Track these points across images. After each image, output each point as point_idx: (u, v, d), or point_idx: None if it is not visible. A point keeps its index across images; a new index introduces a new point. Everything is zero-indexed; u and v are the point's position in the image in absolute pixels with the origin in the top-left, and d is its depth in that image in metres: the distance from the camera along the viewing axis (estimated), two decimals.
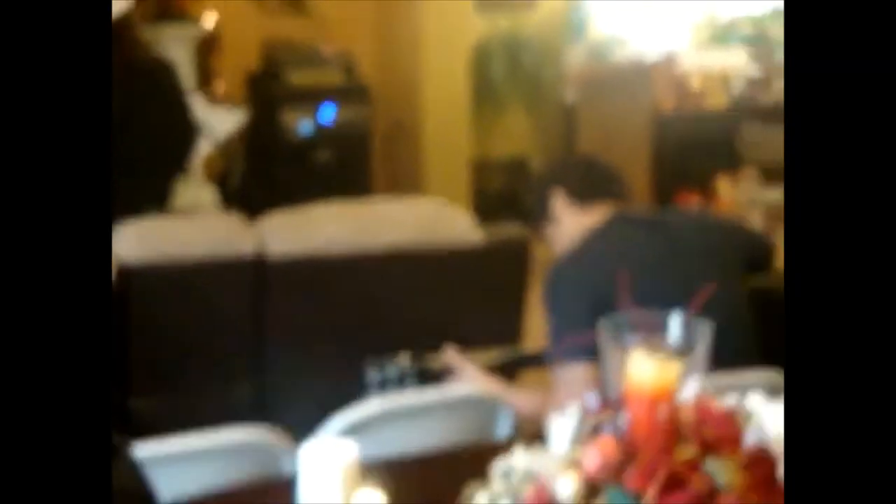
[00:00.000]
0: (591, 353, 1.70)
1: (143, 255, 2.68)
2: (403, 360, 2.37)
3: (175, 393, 2.74)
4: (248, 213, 3.09)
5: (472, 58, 5.85)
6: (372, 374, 2.34)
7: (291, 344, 2.85)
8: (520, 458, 1.43)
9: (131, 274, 2.65)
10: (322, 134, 5.68)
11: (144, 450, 1.75)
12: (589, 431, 1.43)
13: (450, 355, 2.36)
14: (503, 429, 2.17)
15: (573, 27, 6.25)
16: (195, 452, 1.82)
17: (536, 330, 2.64)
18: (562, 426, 1.44)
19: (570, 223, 2.30)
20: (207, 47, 5.69)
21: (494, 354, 2.55)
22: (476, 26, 5.90)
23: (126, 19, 3.32)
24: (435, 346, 2.40)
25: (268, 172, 5.42)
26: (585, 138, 5.93)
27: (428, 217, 2.92)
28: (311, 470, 1.41)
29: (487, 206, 5.51)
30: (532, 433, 1.65)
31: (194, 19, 5.54)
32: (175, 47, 5.09)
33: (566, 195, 2.32)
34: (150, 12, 5.28)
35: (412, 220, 2.91)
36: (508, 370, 2.57)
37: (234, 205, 4.50)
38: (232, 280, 2.75)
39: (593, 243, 2.21)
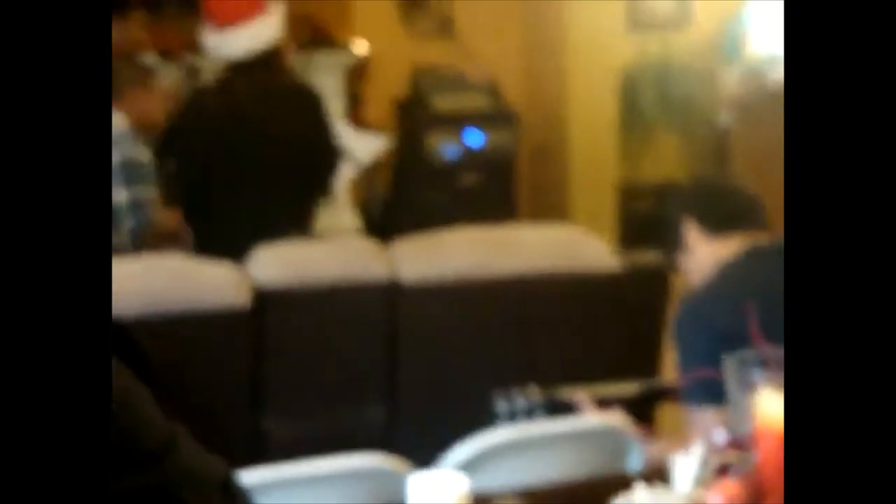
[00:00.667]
0: (718, 394, 1.62)
1: (279, 278, 2.71)
2: (533, 392, 2.31)
3: (308, 415, 2.76)
4: (391, 237, 3.11)
5: (620, 80, 5.76)
6: (501, 404, 2.30)
7: (423, 369, 2.84)
8: (640, 496, 1.38)
9: (267, 296, 2.69)
10: (467, 158, 5.70)
11: (267, 474, 1.76)
12: (714, 471, 1.37)
13: (579, 396, 2.29)
14: (635, 462, 2.10)
15: (727, 47, 6.08)
16: (318, 477, 1.82)
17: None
18: (685, 465, 1.39)
19: (703, 254, 2.21)
20: (356, 73, 5.80)
21: (631, 386, 2.47)
22: (625, 49, 5.81)
23: (276, 46, 3.40)
24: (568, 376, 2.34)
25: (412, 197, 5.46)
26: (739, 163, 5.76)
27: (564, 243, 2.86)
28: (419, 501, 1.38)
29: (635, 231, 5.41)
30: (663, 469, 1.58)
31: (344, 46, 5.65)
32: (324, 73, 5.20)
33: (698, 224, 2.23)
34: (302, 39, 5.41)
35: (547, 246, 2.86)
36: (645, 403, 2.49)
37: (377, 229, 4.55)
38: (365, 304, 2.76)
39: (723, 277, 2.11)
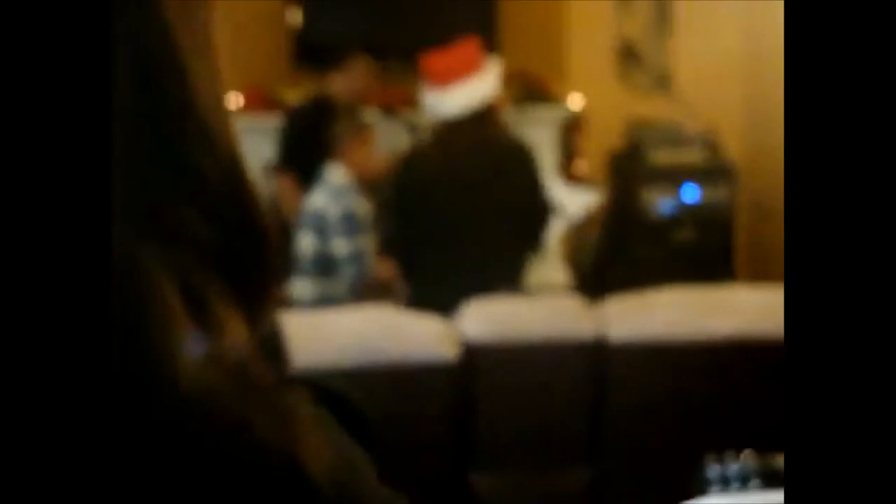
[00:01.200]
0: None
1: (487, 333, 2.74)
2: (747, 458, 2.22)
3: (514, 472, 2.76)
4: (602, 294, 3.08)
5: None
6: (713, 470, 2.22)
7: (630, 430, 2.78)
8: None
9: (475, 351, 2.72)
10: (683, 214, 5.59)
11: None
12: None
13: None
14: None
15: None
16: None
17: None
18: None
19: None
20: (572, 128, 5.82)
21: None
22: None
23: (491, 102, 3.45)
24: (782, 447, 2.24)
25: (626, 252, 5.40)
26: None
27: (771, 305, 2.76)
28: None
29: None
30: None
31: (560, 101, 5.69)
32: (539, 127, 5.25)
33: None
34: (517, 93, 5.49)
35: (764, 309, 2.76)
36: None
37: (589, 285, 4.52)
38: (572, 362, 2.74)
39: None
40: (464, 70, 3.36)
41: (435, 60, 3.47)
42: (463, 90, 3.36)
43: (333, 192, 3.89)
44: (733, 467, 2.24)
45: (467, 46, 3.52)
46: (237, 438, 0.60)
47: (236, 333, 0.56)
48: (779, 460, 2.23)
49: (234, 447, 0.60)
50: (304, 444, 0.63)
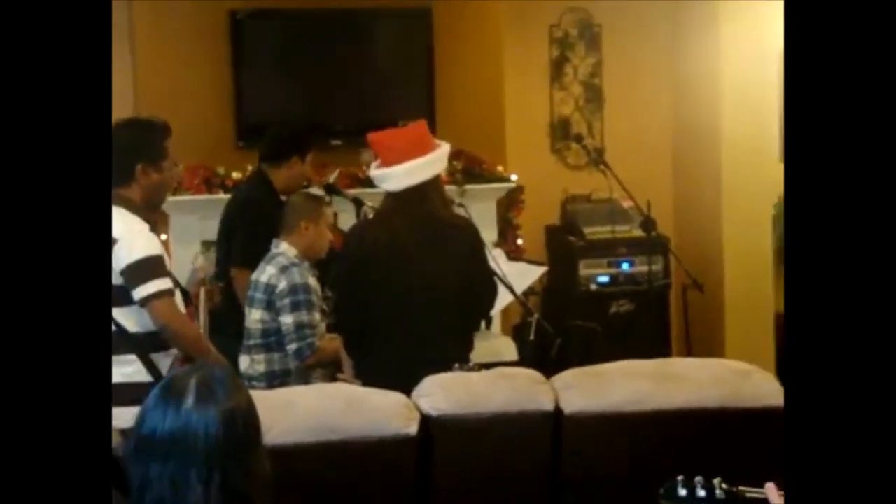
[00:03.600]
0: None
1: (445, 406, 2.79)
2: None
3: None
4: (545, 364, 3.16)
5: (776, 209, 5.73)
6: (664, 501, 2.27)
7: (586, 498, 2.84)
8: None
9: (434, 424, 2.76)
10: (619, 287, 5.73)
11: None
12: None
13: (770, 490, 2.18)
14: None
15: None
16: None
17: None
18: None
19: None
20: (510, 203, 5.94)
21: None
22: (780, 177, 5.79)
23: (435, 179, 3.52)
24: None
25: (565, 324, 5.50)
26: None
27: (727, 377, 2.86)
28: None
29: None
30: None
31: (498, 177, 5.82)
32: (479, 203, 5.36)
33: None
34: (459, 171, 5.61)
35: (709, 380, 2.86)
36: None
37: (531, 356, 4.59)
38: (530, 434, 2.80)
39: None
40: (413, 152, 3.43)
41: (385, 138, 3.54)
42: (410, 168, 3.42)
43: (281, 267, 3.92)
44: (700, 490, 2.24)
45: (416, 127, 3.60)
46: None
47: None
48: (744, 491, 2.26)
49: None
50: None
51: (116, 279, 3.05)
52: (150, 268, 3.07)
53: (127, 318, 3.09)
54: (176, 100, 5.36)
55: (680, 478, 2.10)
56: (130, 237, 3.06)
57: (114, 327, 3.09)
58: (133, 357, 3.09)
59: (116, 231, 3.04)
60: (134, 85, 5.53)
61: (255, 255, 4.26)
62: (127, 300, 3.08)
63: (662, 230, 5.80)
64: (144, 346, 3.10)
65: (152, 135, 3.22)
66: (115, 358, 3.10)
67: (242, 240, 4.40)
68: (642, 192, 5.17)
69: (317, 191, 4.72)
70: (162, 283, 3.08)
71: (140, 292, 3.05)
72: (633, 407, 2.82)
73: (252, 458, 1.86)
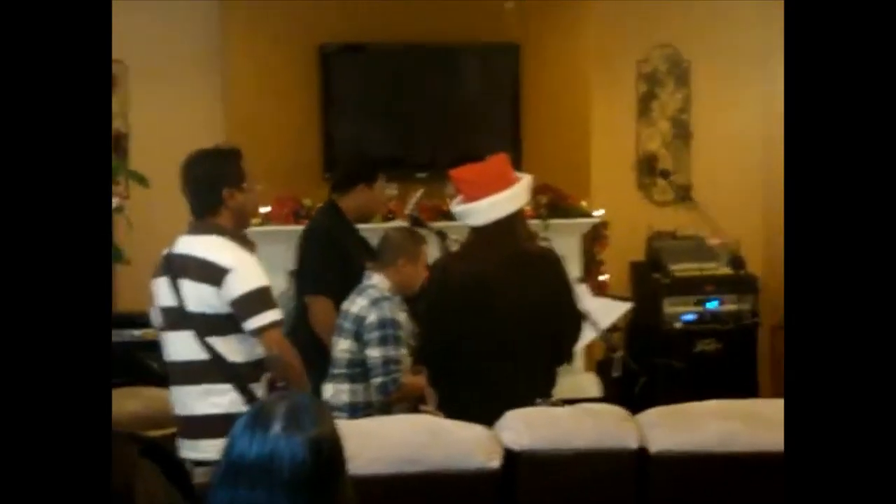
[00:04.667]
0: None
1: (528, 442, 2.76)
2: None
3: None
4: (628, 402, 3.11)
5: None
6: None
7: None
8: None
9: (517, 459, 2.74)
10: (705, 325, 5.63)
11: None
12: None
13: None
14: None
15: None
16: None
17: None
18: None
19: None
20: (595, 238, 5.90)
21: None
22: None
23: (519, 213, 3.52)
24: None
25: (649, 362, 5.42)
26: None
27: None
28: None
29: None
30: None
31: (584, 212, 5.79)
32: (563, 239, 5.33)
33: None
34: (543, 205, 5.59)
35: None
36: None
37: (615, 394, 4.54)
38: (615, 472, 2.75)
39: None
40: (495, 188, 3.43)
41: (466, 173, 3.55)
42: (493, 202, 3.42)
43: (372, 300, 3.93)
44: None
45: (497, 161, 3.61)
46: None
47: None
48: None
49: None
50: (136, 487, 0.77)
51: (224, 308, 3.09)
52: (264, 298, 3.12)
53: (228, 347, 3.12)
54: (265, 131, 5.46)
55: None
56: (243, 267, 3.11)
57: (207, 356, 3.11)
58: (228, 387, 3.11)
59: (227, 260, 3.09)
60: (225, 116, 5.66)
61: (327, 281, 4.30)
62: (230, 329, 3.11)
63: (751, 269, 5.70)
64: (243, 376, 3.13)
65: (229, 159, 3.29)
66: (209, 387, 3.12)
67: (313, 267, 4.45)
68: (730, 230, 5.10)
69: (401, 223, 4.74)
70: (276, 314, 3.13)
71: (255, 322, 3.08)
72: (721, 448, 2.76)
73: (337, 487, 1.86)
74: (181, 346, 3.17)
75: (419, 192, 5.12)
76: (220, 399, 3.08)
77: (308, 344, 4.16)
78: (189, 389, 3.17)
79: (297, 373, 3.20)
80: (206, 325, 3.11)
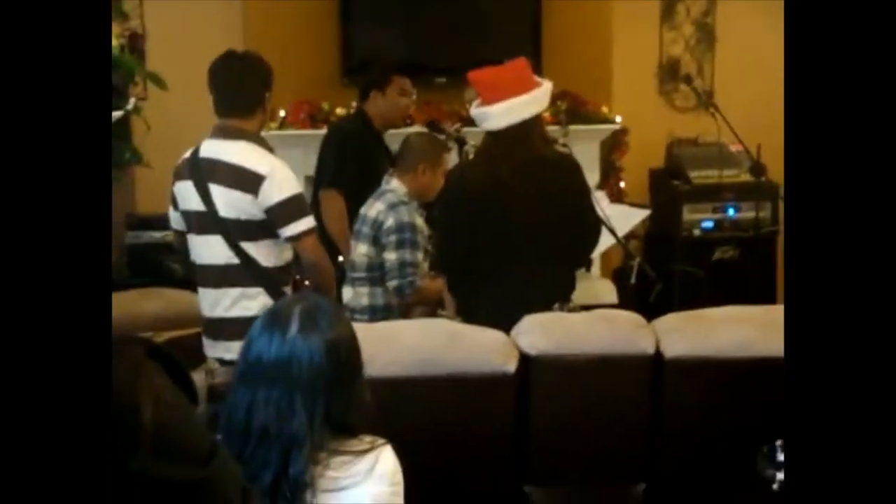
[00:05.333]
0: None
1: (545, 346, 2.78)
2: None
3: (568, 485, 2.80)
4: (645, 308, 3.12)
5: None
6: (762, 463, 2.26)
7: (684, 445, 2.82)
8: None
9: (533, 363, 2.76)
10: (724, 233, 5.61)
11: None
12: None
13: None
14: None
15: None
16: None
17: None
18: None
19: None
20: (614, 145, 5.85)
21: None
22: None
23: (537, 118, 3.48)
24: None
25: (667, 269, 5.43)
26: None
27: None
28: None
29: None
30: None
31: (604, 118, 5.73)
32: (582, 145, 5.29)
33: None
34: (563, 111, 5.54)
35: None
36: None
37: (631, 300, 4.55)
38: (629, 378, 2.78)
39: None
40: (514, 88, 3.39)
41: (485, 75, 3.50)
42: (511, 106, 3.38)
43: (390, 204, 3.94)
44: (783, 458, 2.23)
45: (517, 65, 3.56)
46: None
47: None
48: None
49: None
50: (141, 388, 0.79)
51: (259, 214, 3.10)
52: (300, 205, 3.15)
53: (260, 252, 3.15)
54: (283, 35, 5.40)
55: (779, 442, 2.08)
56: (279, 174, 3.11)
57: (238, 260, 3.13)
58: (259, 290, 3.14)
59: (262, 167, 3.09)
60: (243, 18, 5.59)
61: (342, 177, 4.31)
62: (262, 234, 3.13)
63: (772, 176, 5.65)
64: (274, 280, 3.17)
65: (265, 63, 3.28)
66: (240, 290, 3.15)
67: (329, 162, 4.49)
68: (753, 137, 5.03)
69: (420, 128, 4.72)
70: (311, 221, 3.17)
71: (293, 229, 3.11)
72: (736, 353, 2.77)
73: (354, 388, 1.89)
74: (211, 250, 3.18)
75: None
76: (251, 303, 3.12)
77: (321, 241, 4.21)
78: (220, 293, 3.20)
79: (331, 277, 3.26)
80: (238, 230, 3.13)
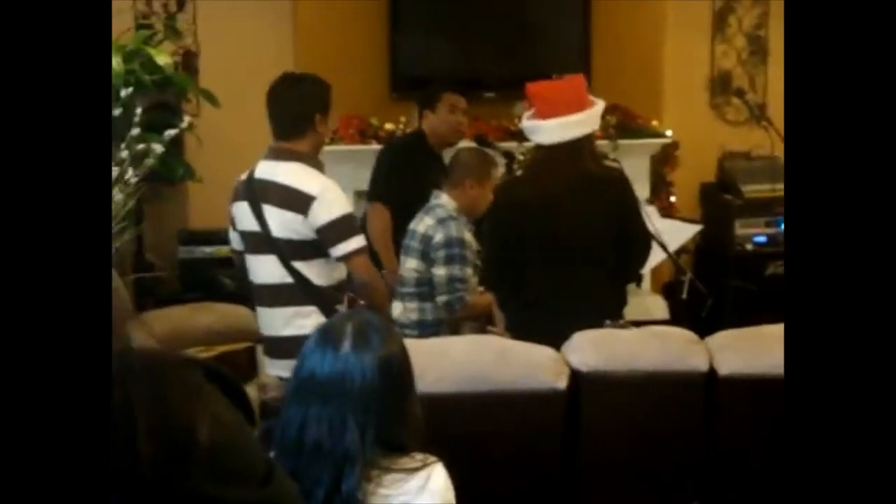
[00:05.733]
0: None
1: (596, 363, 2.76)
2: None
3: (620, 500, 2.77)
4: (696, 324, 3.09)
5: None
6: None
7: (739, 463, 2.78)
8: None
9: (584, 380, 2.74)
10: (778, 247, 5.55)
11: None
12: None
13: None
14: None
15: None
16: None
17: None
18: None
19: None
20: (665, 159, 5.82)
21: None
22: None
23: (588, 136, 3.46)
24: None
25: (719, 285, 5.37)
26: None
27: None
28: None
29: None
30: None
31: (655, 132, 5.70)
32: (632, 159, 5.26)
33: None
34: (612, 126, 5.52)
35: None
36: None
37: (683, 316, 4.51)
38: (682, 395, 2.75)
39: None
40: (570, 104, 3.37)
41: (542, 89, 3.48)
42: (564, 123, 3.37)
43: (439, 219, 3.94)
44: None
45: (575, 82, 3.54)
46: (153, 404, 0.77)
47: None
48: None
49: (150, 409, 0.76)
50: (196, 410, 0.79)
51: (310, 234, 3.13)
52: (350, 225, 3.17)
53: (312, 271, 3.18)
54: (333, 51, 5.44)
55: None
56: (329, 194, 3.15)
57: (292, 279, 3.17)
58: (313, 309, 3.18)
59: (312, 188, 3.12)
60: (294, 38, 5.64)
61: (387, 190, 4.33)
62: (314, 254, 3.16)
63: None
64: (327, 298, 3.20)
65: (323, 86, 3.30)
66: (295, 310, 3.19)
67: (376, 176, 4.53)
68: None
69: (468, 143, 4.72)
70: (361, 240, 3.19)
71: (343, 248, 3.13)
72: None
73: (405, 404, 1.89)
74: (266, 270, 3.23)
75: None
76: (305, 321, 3.15)
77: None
78: (275, 311, 3.25)
79: (383, 295, 3.27)
80: (290, 250, 3.17)
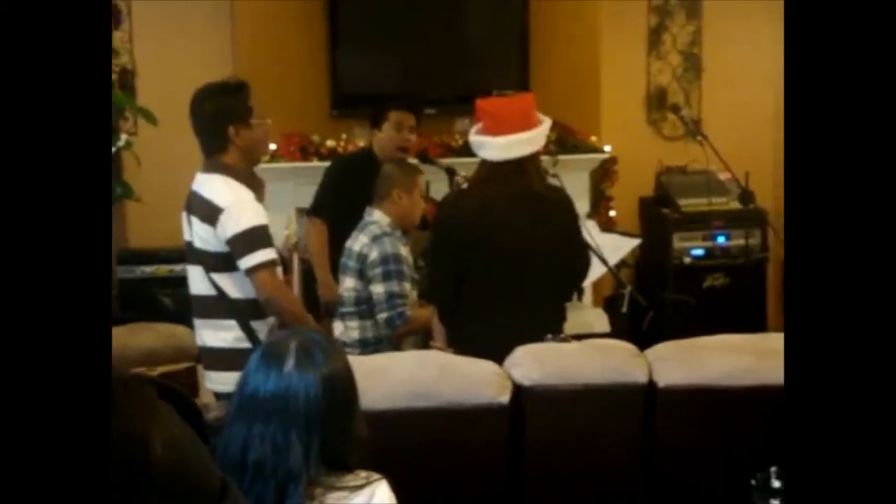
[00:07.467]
0: None
1: (538, 377, 2.78)
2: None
3: None
4: (637, 337, 3.13)
5: None
6: (756, 490, 2.26)
7: (678, 475, 2.82)
8: None
9: (527, 394, 2.76)
10: (714, 260, 5.64)
11: None
12: None
13: None
14: None
15: None
16: None
17: None
18: None
19: None
20: (604, 174, 5.88)
21: None
22: None
23: (534, 155, 3.48)
24: None
25: (658, 298, 5.44)
26: None
27: None
28: None
29: None
30: None
31: (593, 148, 5.76)
32: (572, 174, 5.31)
33: None
34: (552, 141, 5.57)
35: None
36: None
37: (623, 329, 4.55)
38: (622, 407, 2.78)
39: None
40: (518, 123, 3.39)
41: (492, 106, 3.50)
42: (512, 141, 3.38)
43: (373, 237, 3.95)
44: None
45: (524, 100, 3.57)
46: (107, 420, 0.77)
47: None
48: None
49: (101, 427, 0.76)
50: (151, 427, 0.80)
51: (222, 247, 3.13)
52: (256, 238, 3.13)
53: (229, 284, 3.17)
54: (273, 68, 5.43)
55: (773, 469, 2.07)
56: (237, 207, 3.13)
57: (214, 291, 3.17)
58: (232, 323, 3.18)
59: (223, 200, 3.12)
60: (233, 53, 5.62)
61: (324, 205, 4.36)
62: (230, 266, 3.15)
63: (761, 203, 5.68)
64: (245, 312, 3.18)
65: (235, 95, 3.27)
66: (214, 322, 3.21)
67: (319, 190, 4.56)
68: (741, 164, 5.06)
69: (411, 160, 4.73)
70: (267, 254, 3.14)
71: (247, 262, 3.11)
72: (730, 382, 2.77)
73: (350, 422, 1.88)
74: (195, 281, 3.27)
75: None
76: (226, 334, 3.19)
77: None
78: (205, 322, 3.28)
79: (290, 313, 3.19)
80: (210, 262, 3.19)
